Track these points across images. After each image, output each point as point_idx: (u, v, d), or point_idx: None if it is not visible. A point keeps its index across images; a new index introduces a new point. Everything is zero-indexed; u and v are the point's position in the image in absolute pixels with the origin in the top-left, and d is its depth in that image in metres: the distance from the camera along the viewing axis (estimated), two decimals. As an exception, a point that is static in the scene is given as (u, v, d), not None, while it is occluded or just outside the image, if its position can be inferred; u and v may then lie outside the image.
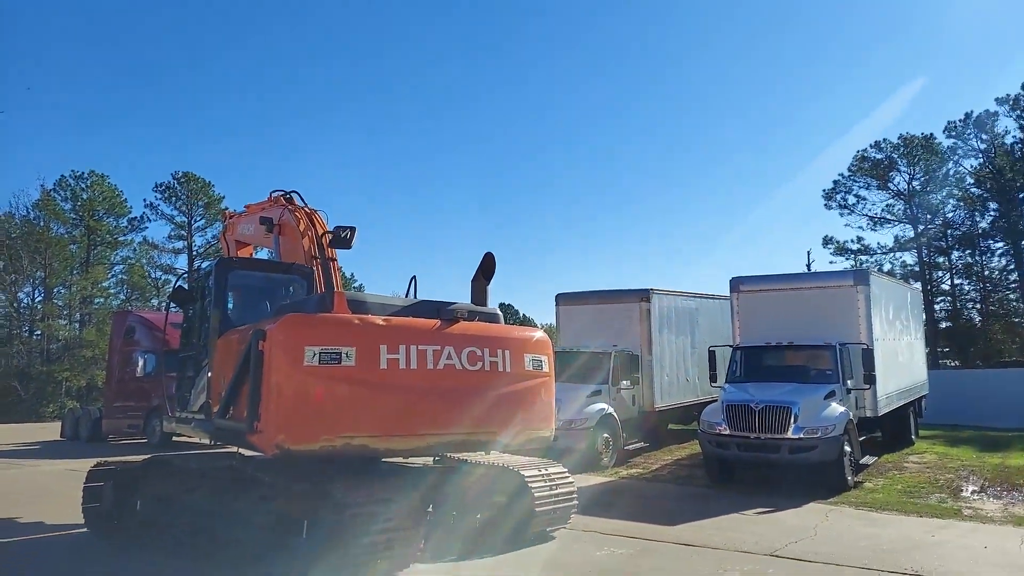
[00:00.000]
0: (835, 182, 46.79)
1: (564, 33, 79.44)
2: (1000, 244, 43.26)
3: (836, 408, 12.01)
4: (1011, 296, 43.62)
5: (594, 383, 14.92)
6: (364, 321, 6.42)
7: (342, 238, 7.79)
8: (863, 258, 46.50)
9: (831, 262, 48.39)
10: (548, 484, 8.04)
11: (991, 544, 8.13)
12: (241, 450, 8.25)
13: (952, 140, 43.60)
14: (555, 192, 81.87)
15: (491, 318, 7.47)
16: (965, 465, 14.11)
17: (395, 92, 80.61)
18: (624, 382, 15.53)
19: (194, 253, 55.15)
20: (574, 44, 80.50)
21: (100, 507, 8.58)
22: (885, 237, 46.25)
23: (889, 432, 15.78)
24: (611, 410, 14.75)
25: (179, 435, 18.88)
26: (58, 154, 71.58)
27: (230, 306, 8.15)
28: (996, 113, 42.00)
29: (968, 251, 44.86)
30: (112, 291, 53.13)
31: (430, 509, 6.89)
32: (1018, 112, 41.34)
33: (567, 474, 8.48)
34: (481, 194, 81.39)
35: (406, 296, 8.59)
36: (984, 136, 42.45)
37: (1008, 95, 41.59)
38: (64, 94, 68.24)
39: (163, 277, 55.19)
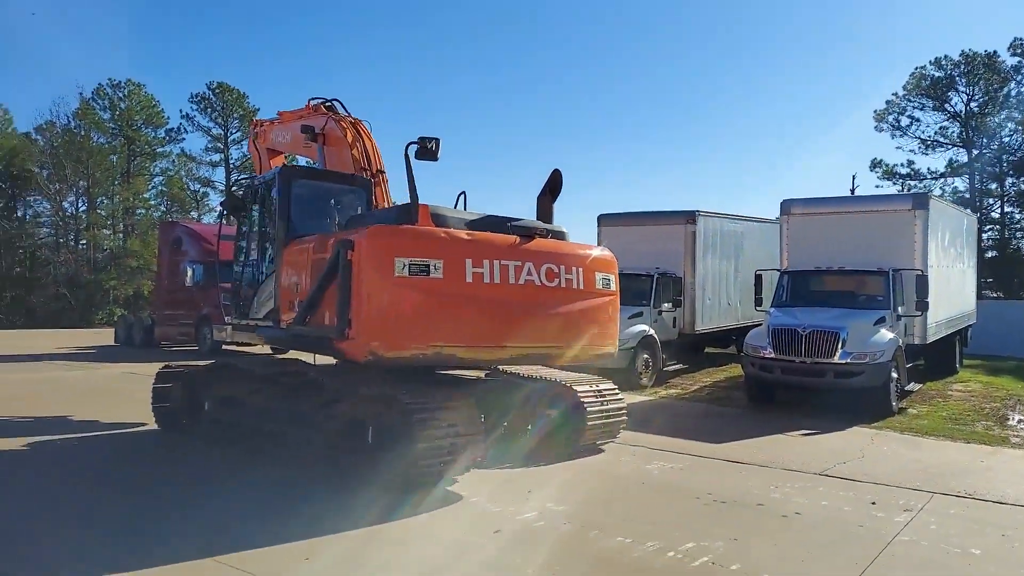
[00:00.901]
0: (888, 102, 44.85)
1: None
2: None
3: (885, 334, 11.89)
4: (1066, 226, 42.12)
5: (636, 305, 14.93)
6: (450, 235, 6.52)
7: (429, 149, 7.67)
8: (912, 183, 45.00)
9: (877, 186, 46.92)
10: (599, 399, 8.20)
11: (1042, 471, 8.15)
12: (300, 356, 8.55)
13: (1017, 59, 41.18)
14: (598, 109, 79.54)
15: (560, 236, 7.53)
16: (1012, 394, 14.01)
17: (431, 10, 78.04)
18: (665, 304, 15.52)
19: (231, 166, 55.44)
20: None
21: (168, 407, 8.98)
22: (936, 162, 44.47)
23: (934, 360, 15.66)
24: (651, 331, 14.81)
25: (229, 342, 19.72)
26: (95, 62, 71.22)
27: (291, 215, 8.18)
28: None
29: (1022, 178, 43.14)
30: (152, 202, 54.08)
31: (482, 419, 7.05)
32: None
33: (617, 390, 8.62)
34: (520, 107, 79.56)
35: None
36: (1054, 55, 39.99)
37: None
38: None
39: (201, 189, 55.95)
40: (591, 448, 8.33)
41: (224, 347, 19.96)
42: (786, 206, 14.53)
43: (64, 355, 19.72)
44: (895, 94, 44.72)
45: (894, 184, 45.52)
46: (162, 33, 71.08)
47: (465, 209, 8.19)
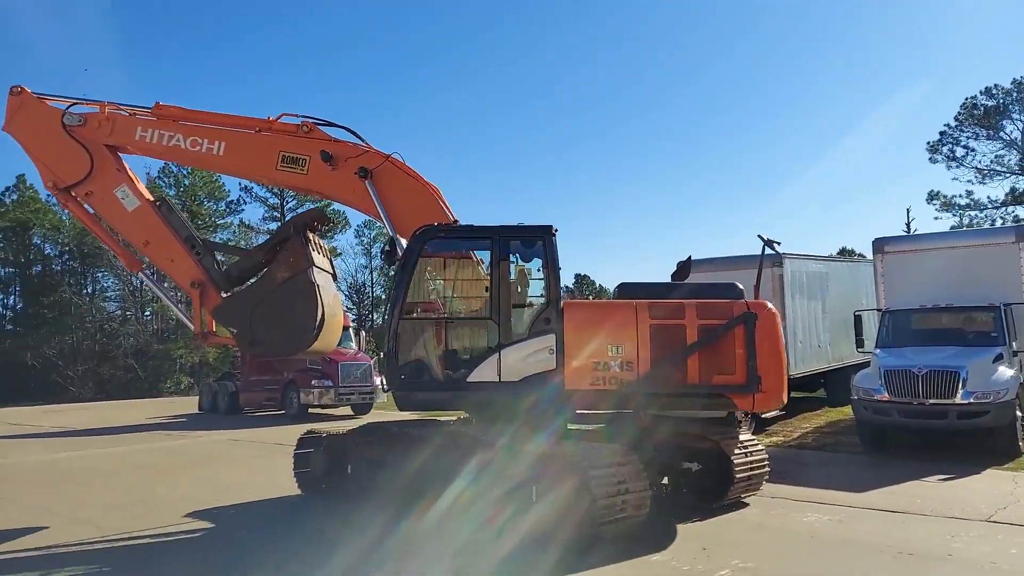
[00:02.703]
0: (941, 133, 44.38)
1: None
2: None
3: (1006, 371, 11.54)
4: None
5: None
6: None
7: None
8: (972, 213, 44.18)
9: (936, 218, 46.18)
10: (743, 451, 8.09)
11: None
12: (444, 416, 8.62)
13: (1074, 83, 40.54)
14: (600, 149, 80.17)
15: None
16: None
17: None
18: (759, 349, 15.30)
19: (287, 233, 57.11)
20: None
21: (311, 471, 9.11)
22: (996, 191, 43.56)
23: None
24: (749, 377, 14.59)
25: (316, 406, 20.03)
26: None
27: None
28: None
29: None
30: (213, 273, 55.87)
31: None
32: None
33: (757, 441, 8.50)
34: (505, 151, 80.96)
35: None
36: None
37: None
38: (160, 77, 71.19)
39: (259, 257, 57.59)
40: (736, 502, 8.19)
41: (309, 411, 20.29)
42: (879, 244, 14.38)
43: (158, 425, 20.24)
44: (948, 125, 44.29)
45: (953, 215, 44.73)
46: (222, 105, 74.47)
47: None
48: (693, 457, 8.12)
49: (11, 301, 51.28)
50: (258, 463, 12.78)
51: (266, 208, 56.45)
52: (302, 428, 17.88)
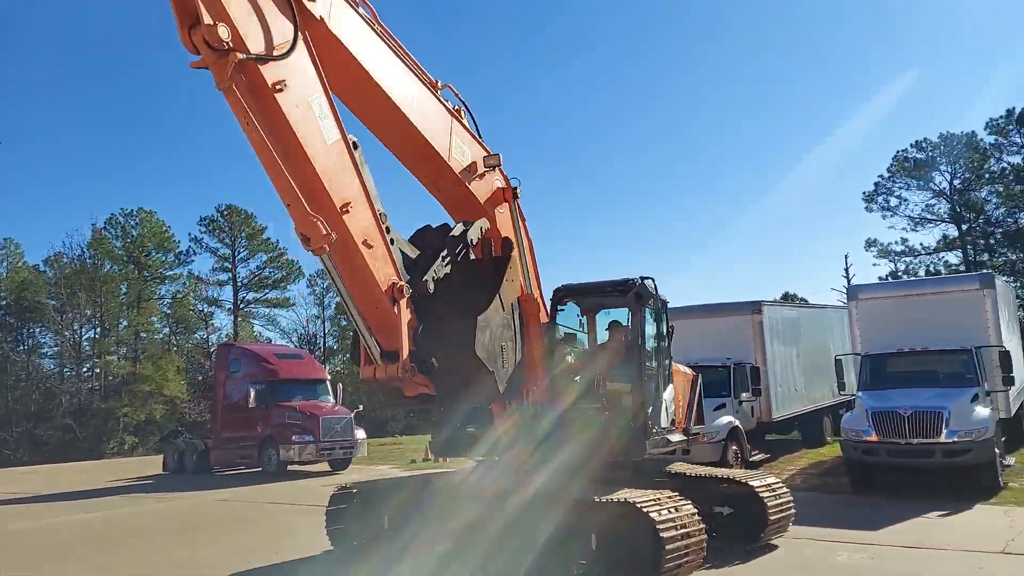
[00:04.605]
0: (876, 184, 47.16)
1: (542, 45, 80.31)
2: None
3: (984, 410, 12.28)
4: (1060, 291, 43.53)
5: (716, 396, 15.24)
6: None
7: None
8: (908, 259, 46.80)
9: (874, 264, 48.72)
10: (773, 494, 8.41)
11: None
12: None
13: (994, 137, 43.88)
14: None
15: None
16: (1097, 461, 14.34)
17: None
18: (744, 394, 15.85)
19: (238, 284, 56.12)
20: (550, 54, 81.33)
21: (344, 528, 8.95)
22: (928, 238, 46.35)
23: (1009, 433, 16.00)
24: (737, 422, 15.08)
25: (296, 462, 19.51)
26: (107, 191, 72.76)
27: None
28: (1036, 111, 42.32)
29: (1012, 248, 44.91)
30: (157, 325, 54.19)
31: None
32: (1059, 109, 41.66)
33: (782, 484, 8.85)
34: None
35: None
36: (1026, 133, 42.72)
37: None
38: (102, 132, 69.72)
39: (207, 308, 56.15)
40: (765, 545, 8.47)
41: (289, 467, 19.77)
42: (853, 292, 15.26)
43: (125, 487, 19.33)
44: (881, 176, 47.15)
45: (889, 262, 47.28)
46: (171, 159, 73.35)
47: None
48: (725, 501, 8.40)
49: (-60, 358, 48.47)
50: (268, 522, 12.42)
51: (216, 259, 55.37)
52: (286, 486, 17.70)
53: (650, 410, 7.78)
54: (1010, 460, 13.60)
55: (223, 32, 5.04)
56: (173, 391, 45.27)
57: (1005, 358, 13.03)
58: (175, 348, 52.63)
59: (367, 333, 6.29)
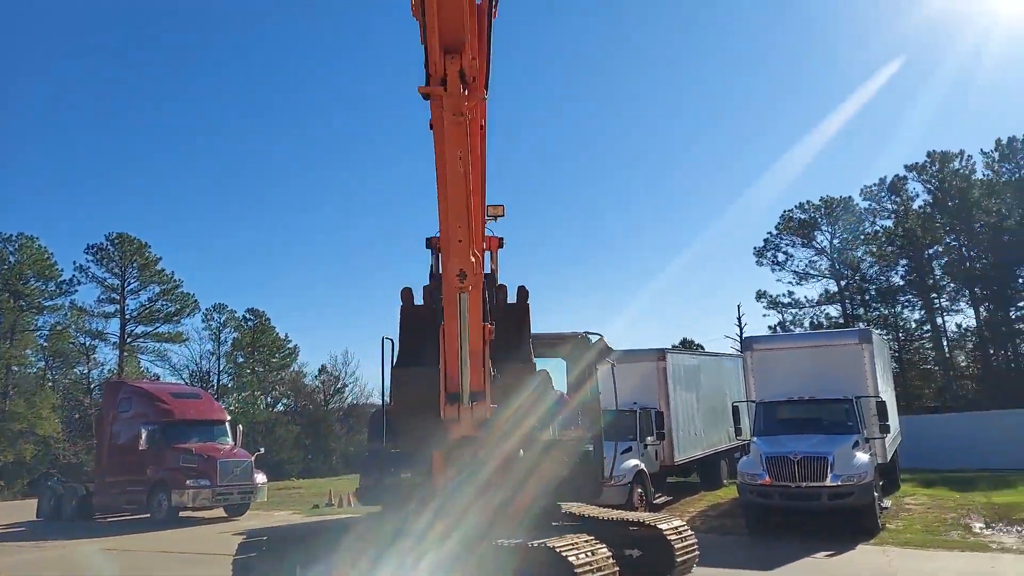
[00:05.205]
0: (765, 240, 50.41)
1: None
2: (913, 298, 47.49)
3: (863, 456, 13.31)
4: (926, 345, 47.65)
5: (624, 440, 15.76)
6: None
7: None
8: (794, 311, 50.00)
9: (764, 315, 51.73)
10: (680, 536, 8.81)
11: (1046, 570, 9.46)
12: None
13: (868, 202, 48.07)
14: None
15: None
16: (960, 504, 15.69)
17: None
18: (649, 438, 16.47)
19: (127, 316, 53.05)
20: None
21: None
22: (811, 291, 49.80)
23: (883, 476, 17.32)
24: (643, 465, 15.62)
25: (189, 508, 18.47)
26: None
27: None
28: (905, 178, 46.75)
29: (884, 304, 48.86)
30: (31, 358, 50.26)
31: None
32: (923, 178, 46.20)
33: (687, 526, 9.28)
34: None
35: None
36: (896, 198, 47.02)
37: (916, 163, 46.53)
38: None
39: (90, 342, 52.64)
40: (672, 586, 8.84)
41: (181, 513, 18.74)
42: (747, 343, 16.27)
43: (-8, 537, 17.69)
44: (770, 233, 50.48)
45: (778, 312, 50.37)
46: (58, 182, 68.99)
47: None
48: (635, 544, 8.73)
49: None
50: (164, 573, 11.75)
51: (103, 289, 52.22)
52: (178, 533, 16.70)
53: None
54: (887, 503, 14.71)
55: (475, 66, 5.46)
56: (46, 430, 42.03)
57: (882, 407, 14.20)
58: (50, 383, 48.90)
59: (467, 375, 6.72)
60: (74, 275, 50.00)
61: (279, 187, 78.87)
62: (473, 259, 6.04)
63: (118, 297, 52.56)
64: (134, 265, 52.50)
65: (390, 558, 7.45)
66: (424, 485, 7.92)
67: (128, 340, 52.61)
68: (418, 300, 8.70)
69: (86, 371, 51.82)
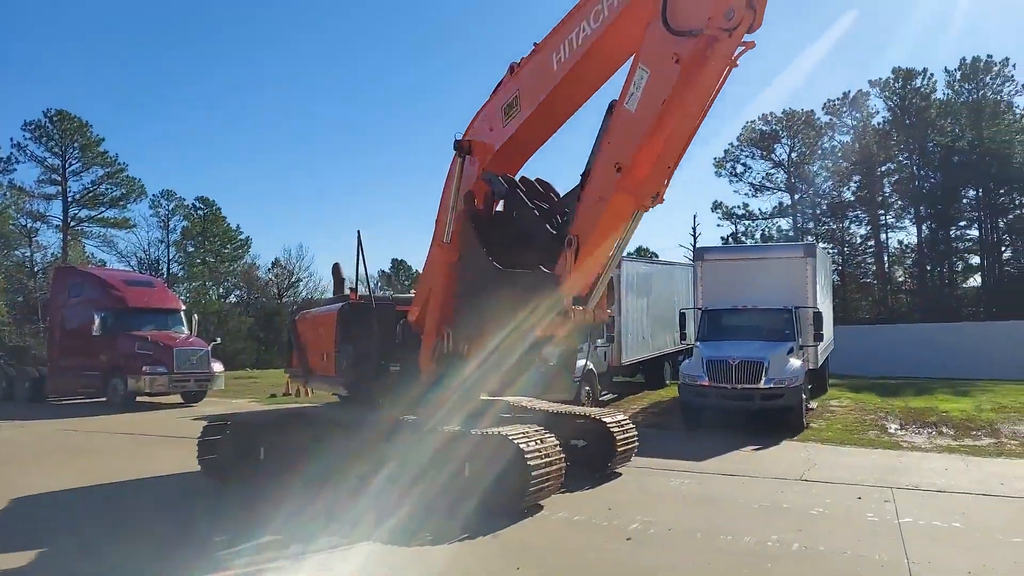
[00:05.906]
0: (725, 151, 50.79)
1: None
2: (861, 213, 48.96)
3: (796, 362, 14.24)
4: (868, 260, 49.60)
5: (575, 341, 16.41)
6: None
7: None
8: (747, 222, 51.13)
9: (718, 225, 52.89)
10: (622, 429, 9.48)
11: (947, 465, 10.51)
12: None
13: (829, 117, 48.44)
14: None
15: None
16: (879, 408, 16.97)
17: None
18: (600, 340, 17.17)
19: (69, 199, 51.25)
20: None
21: (217, 459, 9.05)
22: (766, 204, 50.82)
23: (814, 382, 18.53)
24: (592, 366, 16.37)
25: (146, 393, 18.76)
26: None
27: None
28: (868, 93, 47.08)
29: (834, 219, 50.30)
30: (-32, 240, 48.55)
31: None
32: (885, 94, 46.60)
33: (629, 420, 9.95)
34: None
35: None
36: (857, 114, 47.48)
37: (880, 78, 46.74)
38: None
39: (31, 224, 50.96)
40: (612, 472, 9.58)
41: (138, 398, 19.03)
42: (699, 253, 16.84)
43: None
44: (731, 144, 50.79)
45: (732, 224, 51.42)
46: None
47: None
48: (581, 435, 9.38)
49: None
50: (126, 451, 12.08)
51: (43, 169, 50.11)
52: (136, 417, 17.03)
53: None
54: (813, 404, 15.85)
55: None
56: (-10, 313, 41.15)
57: (818, 318, 15.05)
58: (-8, 266, 47.57)
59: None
60: (12, 153, 47.81)
61: (228, 68, 75.20)
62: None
63: (59, 178, 50.64)
64: (75, 145, 50.33)
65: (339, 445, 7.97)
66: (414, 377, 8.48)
67: (72, 224, 51.09)
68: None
69: (29, 254, 50.38)
